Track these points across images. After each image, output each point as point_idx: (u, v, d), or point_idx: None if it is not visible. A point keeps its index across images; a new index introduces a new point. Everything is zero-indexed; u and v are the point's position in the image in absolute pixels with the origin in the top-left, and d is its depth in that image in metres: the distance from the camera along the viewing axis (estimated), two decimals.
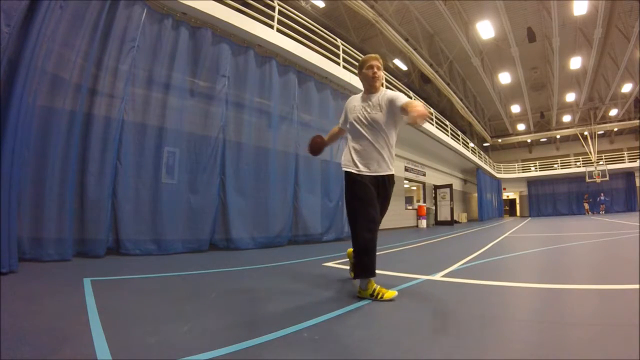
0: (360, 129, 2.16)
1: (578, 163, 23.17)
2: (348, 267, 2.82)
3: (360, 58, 8.24)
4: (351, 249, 2.57)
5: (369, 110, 2.16)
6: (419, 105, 1.84)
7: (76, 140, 3.43)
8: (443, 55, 16.05)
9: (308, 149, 2.57)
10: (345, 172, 2.18)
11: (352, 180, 2.13)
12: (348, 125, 2.27)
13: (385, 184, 2.19)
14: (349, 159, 2.19)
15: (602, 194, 21.21)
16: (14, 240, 2.61)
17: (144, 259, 3.59)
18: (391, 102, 2.12)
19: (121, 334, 1.41)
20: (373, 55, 2.25)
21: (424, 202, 14.10)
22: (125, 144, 3.88)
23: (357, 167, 2.14)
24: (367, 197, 2.09)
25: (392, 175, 2.22)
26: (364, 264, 2.02)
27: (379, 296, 2.01)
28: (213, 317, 1.70)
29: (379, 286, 2.06)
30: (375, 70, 2.19)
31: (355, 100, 2.29)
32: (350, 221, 2.15)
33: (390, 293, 2.04)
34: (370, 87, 2.22)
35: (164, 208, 4.11)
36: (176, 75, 4.42)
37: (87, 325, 1.48)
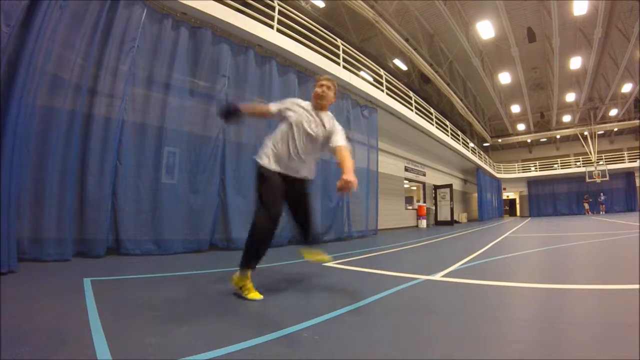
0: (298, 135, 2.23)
1: (578, 163, 23.17)
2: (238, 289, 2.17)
3: (360, 58, 8.31)
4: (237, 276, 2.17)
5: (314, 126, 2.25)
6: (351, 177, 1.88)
7: (76, 140, 3.43)
8: (443, 55, 16.05)
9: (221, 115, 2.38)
10: (263, 167, 2.19)
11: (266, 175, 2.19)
12: (291, 126, 2.23)
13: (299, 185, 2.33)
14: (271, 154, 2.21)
15: (602, 194, 21.21)
16: (14, 240, 2.61)
17: (144, 259, 3.59)
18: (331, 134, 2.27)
19: (121, 334, 1.41)
20: (326, 77, 2.40)
21: (424, 202, 14.10)
22: (125, 144, 3.87)
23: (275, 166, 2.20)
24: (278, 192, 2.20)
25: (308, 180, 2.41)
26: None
27: (244, 293, 2.06)
28: (213, 317, 1.70)
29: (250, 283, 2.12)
30: (325, 89, 2.30)
31: (304, 106, 2.32)
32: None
33: (256, 294, 2.06)
34: (316, 104, 2.32)
35: (164, 208, 4.11)
36: (176, 75, 4.41)
37: (87, 325, 1.48)
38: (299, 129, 2.21)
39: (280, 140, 2.21)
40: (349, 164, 2.01)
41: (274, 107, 2.34)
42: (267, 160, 2.18)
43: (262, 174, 2.17)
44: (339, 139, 2.23)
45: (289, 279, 2.81)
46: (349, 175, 1.85)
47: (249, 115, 2.46)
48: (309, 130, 2.21)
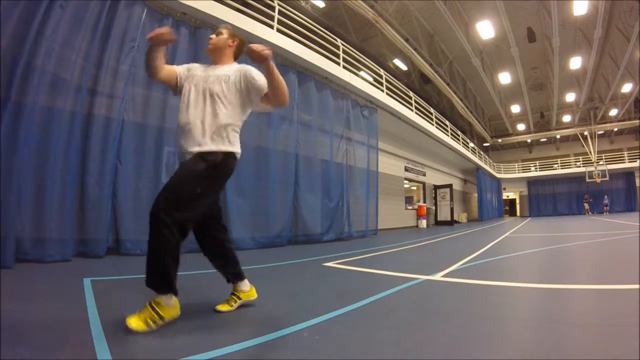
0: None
1: (578, 163, 23.17)
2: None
3: (360, 58, 8.31)
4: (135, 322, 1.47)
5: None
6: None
7: (76, 140, 3.43)
8: (443, 55, 16.04)
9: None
10: (234, 155, 1.80)
11: (232, 169, 1.81)
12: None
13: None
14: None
15: (605, 197, 21.05)
16: (11, 235, 2.61)
17: (144, 259, 3.58)
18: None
19: (121, 334, 1.41)
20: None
21: (424, 202, 14.10)
22: (125, 144, 3.87)
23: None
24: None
25: None
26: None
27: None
28: (213, 317, 1.70)
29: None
30: (213, 40, 1.84)
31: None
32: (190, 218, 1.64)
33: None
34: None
35: None
36: None
37: (87, 325, 1.48)
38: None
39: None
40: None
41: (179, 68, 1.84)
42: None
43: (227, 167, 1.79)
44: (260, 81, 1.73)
45: (289, 279, 2.81)
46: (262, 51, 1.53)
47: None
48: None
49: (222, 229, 1.89)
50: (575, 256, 4.07)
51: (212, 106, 1.72)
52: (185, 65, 1.89)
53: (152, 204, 1.58)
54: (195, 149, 1.66)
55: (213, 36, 1.84)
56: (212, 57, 1.85)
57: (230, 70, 1.77)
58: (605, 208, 20.79)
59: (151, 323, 1.44)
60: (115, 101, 3.81)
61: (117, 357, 1.17)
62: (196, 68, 1.85)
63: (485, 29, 13.74)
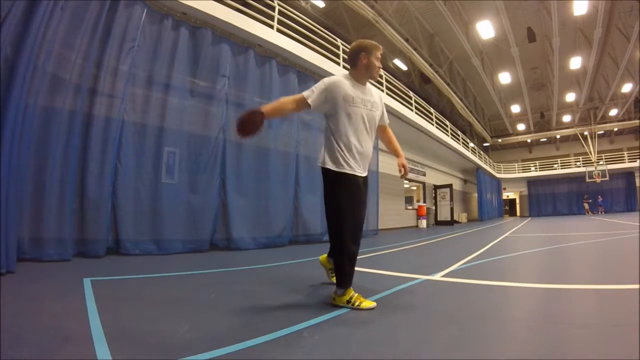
0: (363, 126, 1.96)
1: (578, 163, 23.16)
2: (326, 273, 2.54)
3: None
4: (325, 256, 2.44)
5: (369, 107, 1.99)
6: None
7: (76, 140, 3.43)
8: (443, 55, 16.04)
9: (239, 129, 1.79)
10: (339, 173, 1.90)
11: (348, 181, 1.91)
12: (343, 116, 1.91)
13: (366, 185, 2.08)
14: (341, 157, 1.91)
15: (600, 197, 21.27)
16: (13, 241, 2.60)
17: (144, 259, 3.58)
18: (383, 112, 2.17)
19: (121, 334, 1.41)
20: (379, 45, 2.04)
21: (424, 202, 14.09)
22: (125, 144, 3.87)
23: (350, 167, 1.92)
24: (361, 201, 1.96)
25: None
26: (349, 274, 1.89)
27: (357, 304, 1.85)
28: (213, 317, 1.70)
29: (356, 294, 1.90)
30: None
31: (347, 87, 1.93)
32: (336, 228, 1.92)
33: (369, 303, 1.88)
34: (372, 77, 2.02)
35: (164, 208, 4.11)
36: (176, 75, 4.41)
37: (87, 325, 1.48)
38: (363, 120, 1.96)
39: (353, 137, 1.94)
40: (398, 145, 2.15)
41: (316, 100, 1.91)
42: (346, 164, 1.92)
43: (337, 178, 1.90)
44: (386, 116, 2.14)
45: (289, 280, 2.81)
46: (403, 159, 2.05)
47: (274, 117, 1.99)
48: (370, 116, 2.00)
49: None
50: (575, 256, 4.07)
51: (372, 137, 2.06)
52: (335, 83, 1.94)
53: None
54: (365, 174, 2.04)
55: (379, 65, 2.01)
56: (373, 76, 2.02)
57: (375, 92, 2.08)
58: (600, 208, 20.98)
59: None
60: (115, 101, 3.81)
61: (117, 357, 1.17)
62: (347, 86, 1.94)
63: (485, 29, 13.74)
